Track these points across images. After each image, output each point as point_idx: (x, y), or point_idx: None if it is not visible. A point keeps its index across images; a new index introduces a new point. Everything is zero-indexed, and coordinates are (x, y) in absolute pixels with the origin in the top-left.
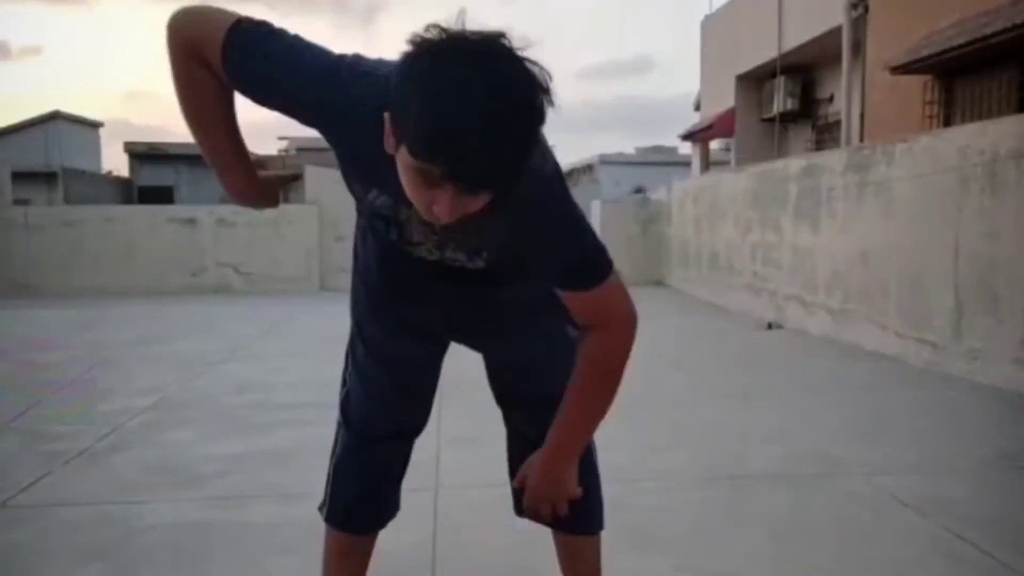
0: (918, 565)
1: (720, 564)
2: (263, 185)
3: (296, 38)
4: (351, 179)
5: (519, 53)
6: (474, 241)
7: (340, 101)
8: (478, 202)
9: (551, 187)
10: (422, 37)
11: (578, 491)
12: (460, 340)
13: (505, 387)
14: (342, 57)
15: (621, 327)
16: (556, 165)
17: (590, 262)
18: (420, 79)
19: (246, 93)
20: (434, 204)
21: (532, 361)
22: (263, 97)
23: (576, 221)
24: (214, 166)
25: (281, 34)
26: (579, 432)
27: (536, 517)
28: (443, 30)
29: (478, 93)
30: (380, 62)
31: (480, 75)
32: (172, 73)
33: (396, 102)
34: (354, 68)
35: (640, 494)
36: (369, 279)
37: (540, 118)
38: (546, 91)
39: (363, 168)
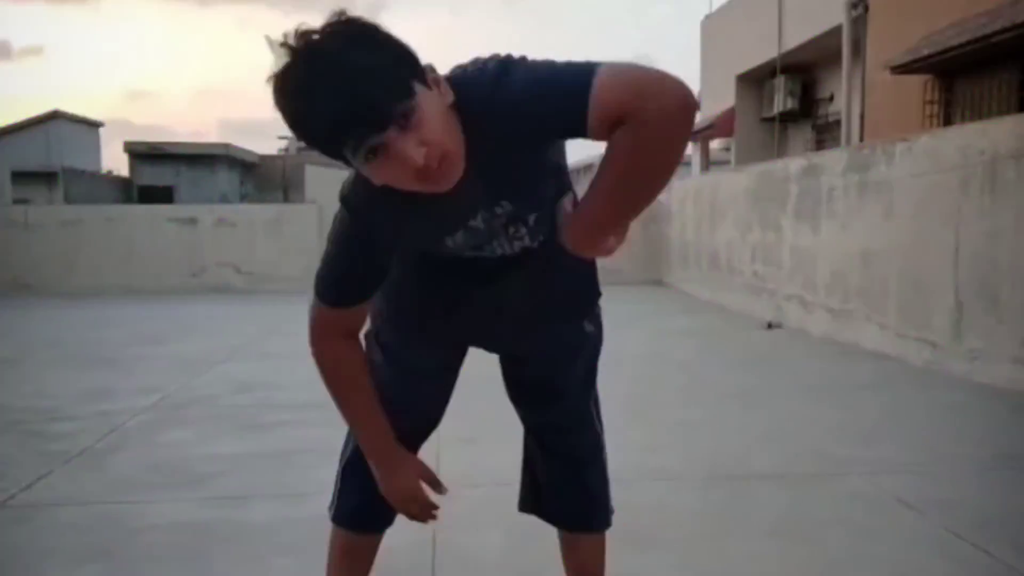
0: (918, 565)
1: (720, 564)
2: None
3: (338, 242)
4: (429, 244)
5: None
6: (503, 181)
7: (364, 220)
8: (438, 126)
9: (503, 74)
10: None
11: (615, 243)
12: (488, 341)
13: (518, 385)
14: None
15: (658, 102)
16: (501, 62)
17: (569, 73)
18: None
19: (355, 297)
20: (403, 163)
21: (547, 352)
22: (369, 274)
23: (542, 67)
24: (371, 457)
25: (336, 248)
26: (620, 200)
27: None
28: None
29: (294, 67)
30: None
31: (297, 59)
32: (321, 370)
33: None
34: (347, 192)
35: (640, 494)
36: (403, 298)
37: (357, 36)
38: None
39: (424, 228)
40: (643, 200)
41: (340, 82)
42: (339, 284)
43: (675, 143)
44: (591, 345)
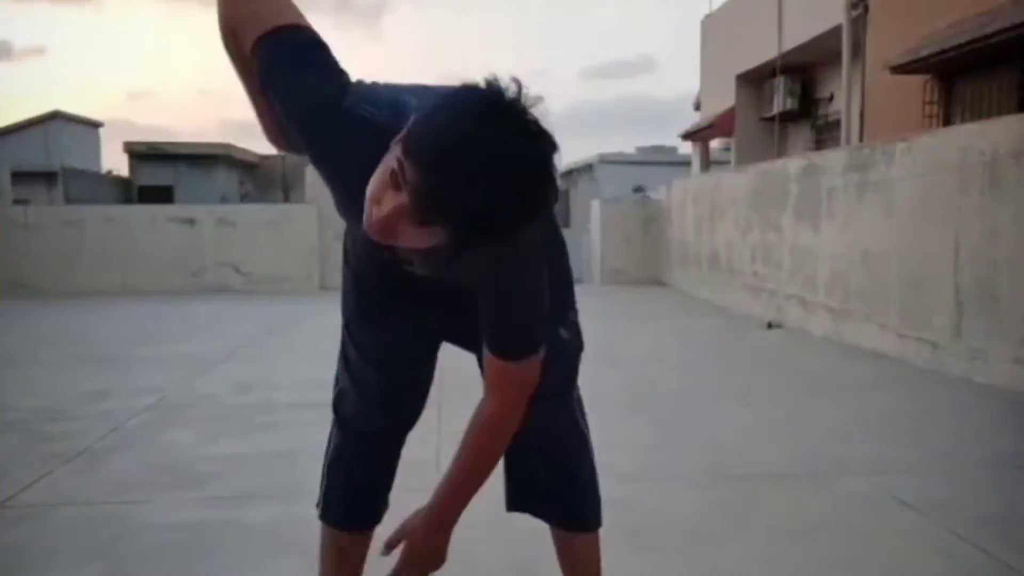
0: (918, 565)
1: (720, 564)
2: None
3: (320, 57)
4: (345, 215)
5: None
6: (424, 268)
7: (333, 141)
8: (417, 237)
9: (527, 253)
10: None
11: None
12: (450, 339)
13: None
14: (350, 88)
15: (509, 406)
16: (538, 235)
17: (522, 340)
18: (461, 113)
19: (264, 89)
20: (378, 203)
21: None
22: (275, 100)
23: (536, 297)
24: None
25: (306, 49)
26: (461, 500)
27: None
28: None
29: (503, 154)
30: (388, 102)
31: (516, 149)
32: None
33: (422, 117)
34: (356, 108)
35: (640, 494)
36: (358, 283)
37: (533, 214)
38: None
39: (356, 207)
40: (479, 482)
41: (477, 179)
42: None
43: (509, 434)
44: (568, 350)
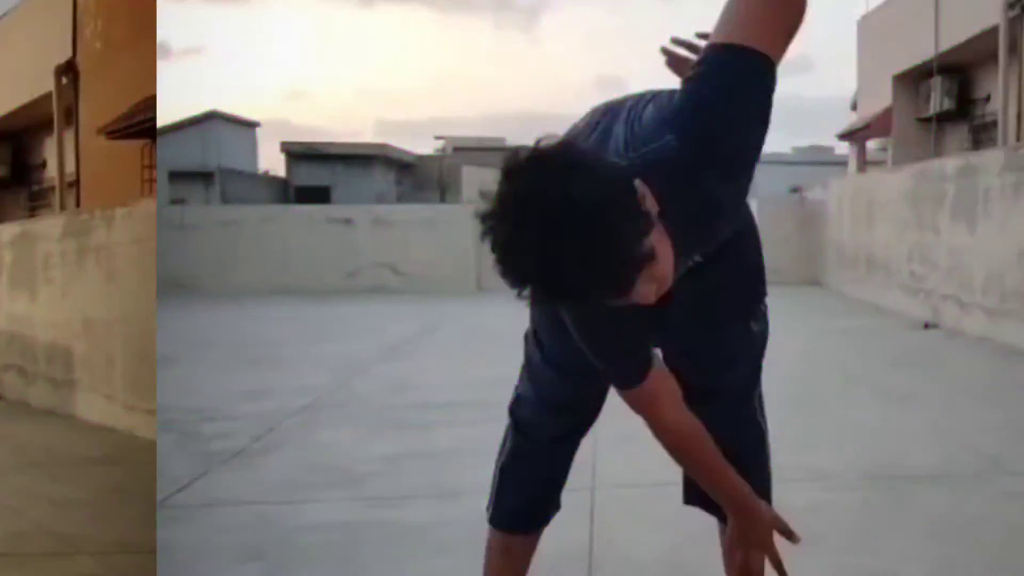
0: None
1: (877, 563)
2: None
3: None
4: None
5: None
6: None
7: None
8: (659, 263)
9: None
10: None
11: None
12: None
13: (683, 382)
14: None
15: None
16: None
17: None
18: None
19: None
20: (634, 298)
21: (713, 353)
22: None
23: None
24: (730, 508)
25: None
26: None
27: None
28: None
29: (511, 214)
30: None
31: (514, 197)
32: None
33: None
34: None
35: (797, 493)
36: None
37: (579, 215)
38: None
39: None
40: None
41: (591, 255)
42: (625, 363)
43: None
44: (757, 344)
